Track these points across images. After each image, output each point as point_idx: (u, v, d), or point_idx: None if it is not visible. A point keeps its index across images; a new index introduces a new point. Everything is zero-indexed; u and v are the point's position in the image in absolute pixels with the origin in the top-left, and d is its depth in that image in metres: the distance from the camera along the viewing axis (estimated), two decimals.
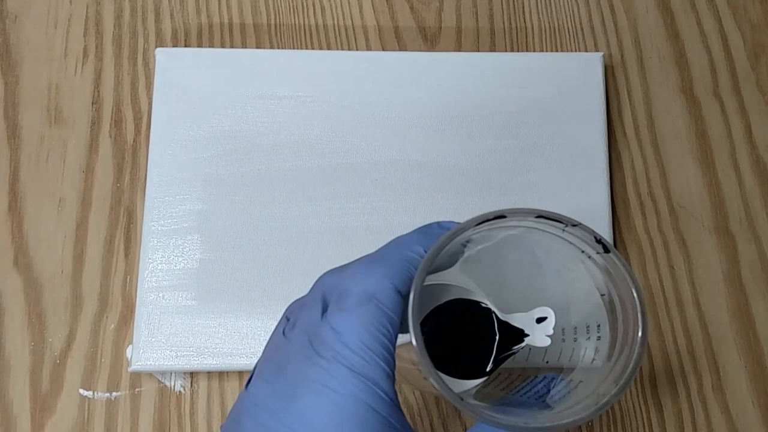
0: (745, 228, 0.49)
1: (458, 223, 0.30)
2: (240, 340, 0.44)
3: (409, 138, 0.48)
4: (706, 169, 0.50)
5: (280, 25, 0.52)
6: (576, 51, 0.53)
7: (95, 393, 0.45)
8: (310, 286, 0.45)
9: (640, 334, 0.29)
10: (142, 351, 0.44)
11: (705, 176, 0.50)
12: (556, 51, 0.53)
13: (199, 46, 0.52)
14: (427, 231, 0.32)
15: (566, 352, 0.33)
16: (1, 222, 0.47)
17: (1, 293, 0.46)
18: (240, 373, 0.45)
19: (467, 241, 0.31)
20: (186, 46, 0.51)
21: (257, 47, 0.52)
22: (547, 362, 0.34)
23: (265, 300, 0.45)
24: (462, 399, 0.27)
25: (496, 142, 0.49)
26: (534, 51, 0.52)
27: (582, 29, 0.53)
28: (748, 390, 0.46)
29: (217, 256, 0.46)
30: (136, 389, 0.45)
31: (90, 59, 0.51)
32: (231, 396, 0.45)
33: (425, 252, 0.30)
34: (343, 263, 0.32)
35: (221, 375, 0.45)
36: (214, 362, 0.44)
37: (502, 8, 0.53)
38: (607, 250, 0.30)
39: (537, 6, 0.54)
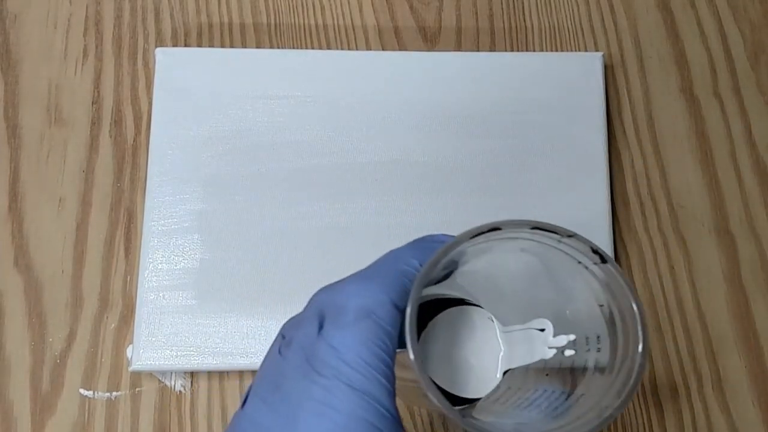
0: (745, 228, 0.49)
1: (450, 235, 0.30)
2: (240, 340, 0.44)
3: (409, 138, 0.48)
4: (706, 169, 0.50)
5: (280, 25, 0.52)
6: (576, 51, 0.53)
7: (95, 393, 0.45)
8: (311, 285, 0.45)
9: (640, 346, 0.28)
10: (142, 351, 0.44)
11: (705, 176, 0.50)
12: (556, 51, 0.53)
13: (199, 46, 0.52)
14: (420, 244, 0.31)
15: (566, 364, 0.32)
16: (1, 222, 0.47)
17: (1, 293, 0.46)
18: (240, 372, 0.45)
19: (462, 254, 0.31)
20: (186, 46, 0.51)
21: (257, 47, 0.52)
22: (547, 375, 0.33)
23: (265, 300, 0.45)
24: (464, 416, 0.26)
25: (496, 142, 0.49)
26: (534, 51, 0.52)
27: (582, 29, 0.53)
28: (748, 390, 0.46)
29: (217, 256, 0.46)
30: (137, 389, 0.45)
31: (90, 59, 0.51)
32: (231, 396, 0.45)
33: (420, 265, 0.29)
34: (342, 265, 0.31)
35: (221, 375, 0.45)
36: (215, 362, 0.44)
37: (502, 8, 0.53)
38: (604, 261, 0.29)
39: (537, 6, 0.54)
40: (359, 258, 0.45)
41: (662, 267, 0.48)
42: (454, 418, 0.26)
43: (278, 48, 0.52)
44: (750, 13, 0.54)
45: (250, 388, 0.30)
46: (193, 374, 0.45)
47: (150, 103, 0.49)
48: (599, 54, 0.51)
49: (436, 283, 0.32)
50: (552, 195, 0.48)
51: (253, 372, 0.45)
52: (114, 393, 0.45)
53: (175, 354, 0.44)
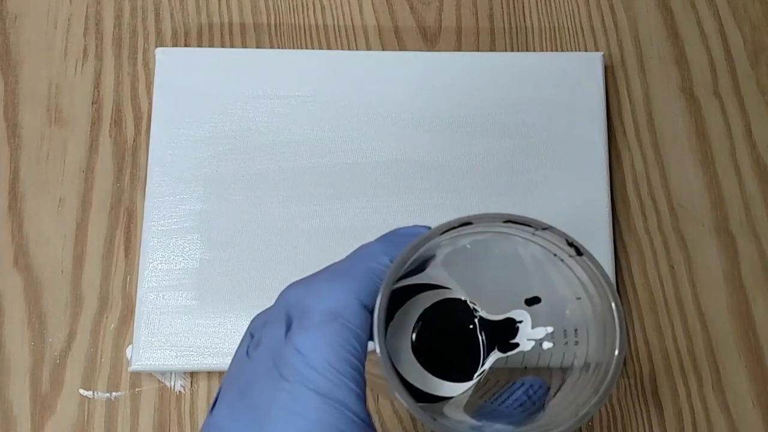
0: (745, 228, 0.49)
1: (423, 226, 0.29)
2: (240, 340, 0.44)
3: (409, 138, 0.48)
4: (706, 169, 0.50)
5: (280, 25, 0.52)
6: (576, 51, 0.53)
7: (95, 393, 0.45)
8: None
9: (617, 340, 0.28)
10: (142, 351, 0.44)
11: (705, 176, 0.50)
12: (556, 51, 0.53)
13: (199, 46, 0.52)
14: (391, 238, 0.30)
15: (544, 357, 0.32)
16: (1, 222, 0.47)
17: (1, 293, 0.46)
18: None
19: (437, 246, 0.30)
20: (186, 46, 0.51)
21: (257, 47, 0.52)
22: (526, 367, 0.33)
23: (265, 300, 0.45)
24: (434, 419, 0.26)
25: (497, 142, 0.49)
26: (534, 51, 0.52)
27: (582, 29, 0.53)
28: (748, 390, 0.46)
29: (217, 256, 0.46)
30: (136, 389, 0.45)
31: (90, 59, 0.51)
32: None
33: (391, 262, 0.29)
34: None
35: (221, 375, 0.45)
36: (214, 362, 0.44)
37: (502, 8, 0.53)
38: (580, 253, 0.29)
39: (537, 6, 0.54)
40: None
41: (662, 267, 0.48)
42: (421, 419, 0.26)
43: (278, 48, 0.52)
44: (750, 13, 0.54)
45: (219, 390, 0.29)
46: (193, 374, 0.45)
47: (150, 103, 0.49)
48: (599, 54, 0.51)
49: (412, 275, 0.31)
50: (552, 195, 0.48)
51: None
52: (114, 393, 0.45)
53: (174, 354, 0.44)
